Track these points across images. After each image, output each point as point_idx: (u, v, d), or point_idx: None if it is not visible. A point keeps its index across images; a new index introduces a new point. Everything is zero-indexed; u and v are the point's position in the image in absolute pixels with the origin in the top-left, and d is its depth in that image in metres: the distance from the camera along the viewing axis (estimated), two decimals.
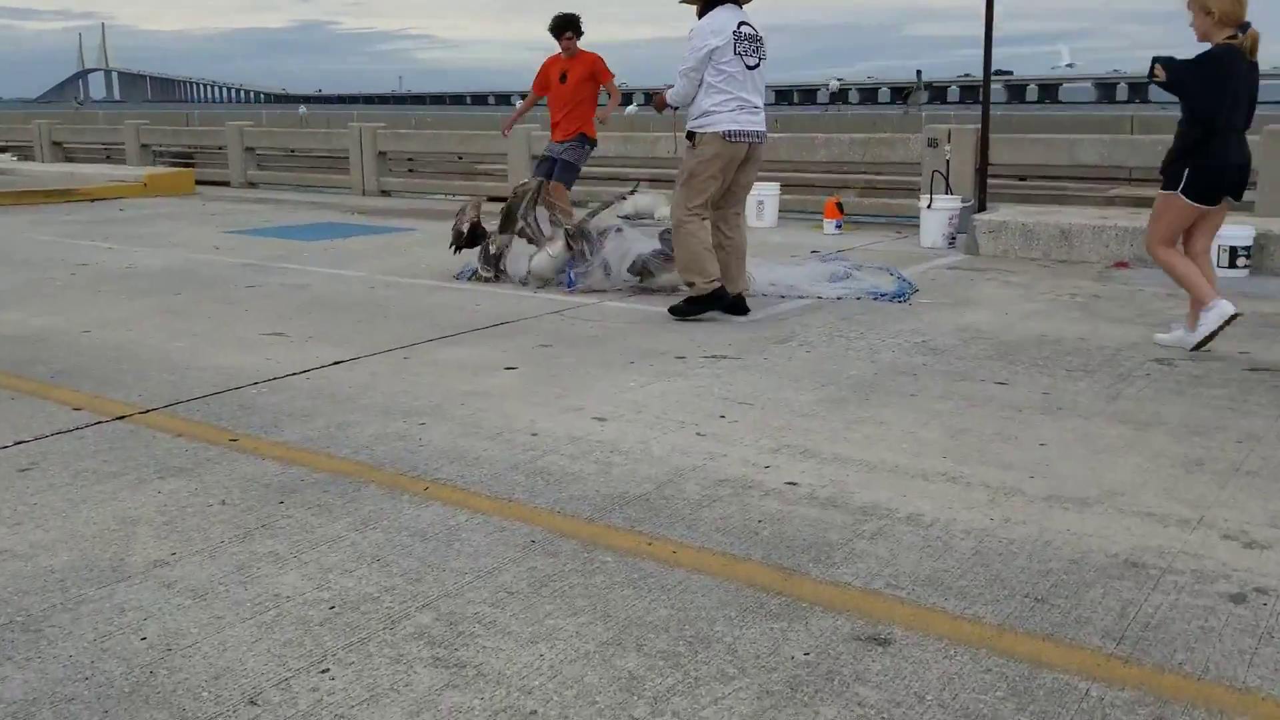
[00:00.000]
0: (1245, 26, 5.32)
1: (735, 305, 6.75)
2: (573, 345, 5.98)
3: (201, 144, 19.18)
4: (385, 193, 16.26)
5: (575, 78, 10.14)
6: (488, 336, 6.24)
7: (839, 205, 11.07)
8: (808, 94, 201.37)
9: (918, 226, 11.55)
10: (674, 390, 5.04)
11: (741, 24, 6.60)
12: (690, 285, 6.73)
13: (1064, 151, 10.85)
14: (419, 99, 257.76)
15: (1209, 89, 5.34)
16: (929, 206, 9.90)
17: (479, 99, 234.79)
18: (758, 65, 6.66)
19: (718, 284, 6.66)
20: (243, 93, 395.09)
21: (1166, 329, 5.99)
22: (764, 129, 6.74)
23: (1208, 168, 5.49)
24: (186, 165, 18.59)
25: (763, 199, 11.74)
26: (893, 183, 13.16)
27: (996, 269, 8.60)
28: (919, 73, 29.74)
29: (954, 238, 9.90)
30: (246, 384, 5.20)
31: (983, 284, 7.94)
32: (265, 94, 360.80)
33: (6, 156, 20.56)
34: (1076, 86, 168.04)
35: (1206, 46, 5.41)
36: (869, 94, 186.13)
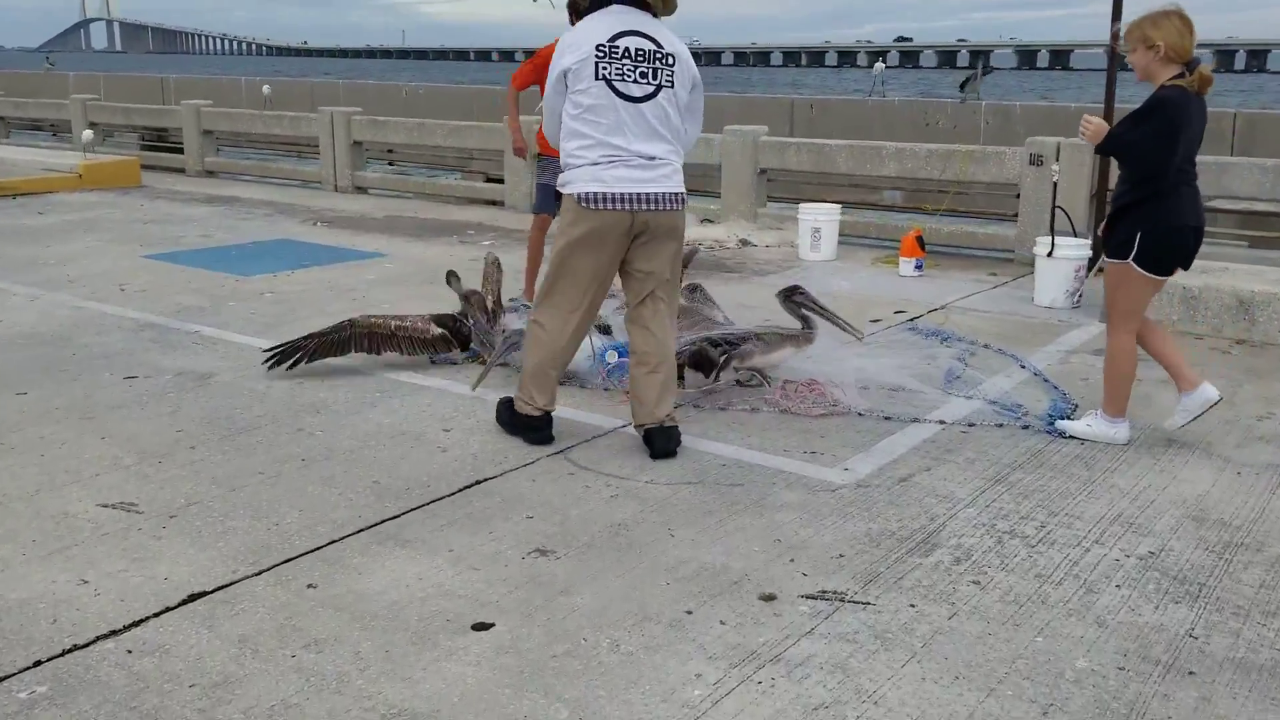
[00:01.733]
0: (1193, 64, 4.51)
1: (649, 440, 4.62)
2: (585, 553, 3.70)
3: (159, 124, 16.78)
4: (361, 189, 13.91)
5: None
6: (451, 521, 3.95)
7: (920, 240, 8.74)
8: (816, 56, 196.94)
9: (1010, 260, 9.28)
10: (771, 712, 2.77)
11: (625, 34, 4.43)
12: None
13: (1212, 177, 8.50)
14: (422, 54, 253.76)
15: (1159, 144, 4.45)
16: (1049, 254, 7.57)
17: (482, 55, 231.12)
18: (653, 95, 4.43)
19: (537, 415, 4.68)
20: (253, 45, 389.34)
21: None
22: (671, 189, 4.48)
23: (1161, 232, 4.60)
24: (157, 147, 16.22)
25: (819, 225, 9.39)
26: (980, 206, 10.79)
27: None
28: (984, 58, 26.73)
29: (1079, 294, 7.58)
30: (5, 670, 2.93)
31: (1159, 390, 5.65)
32: (277, 47, 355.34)
33: None
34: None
35: (1149, 88, 4.59)
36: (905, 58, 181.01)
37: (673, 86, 4.47)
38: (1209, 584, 3.54)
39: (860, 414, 5.17)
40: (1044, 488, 4.33)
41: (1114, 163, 6.72)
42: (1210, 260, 7.51)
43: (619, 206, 4.35)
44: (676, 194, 4.47)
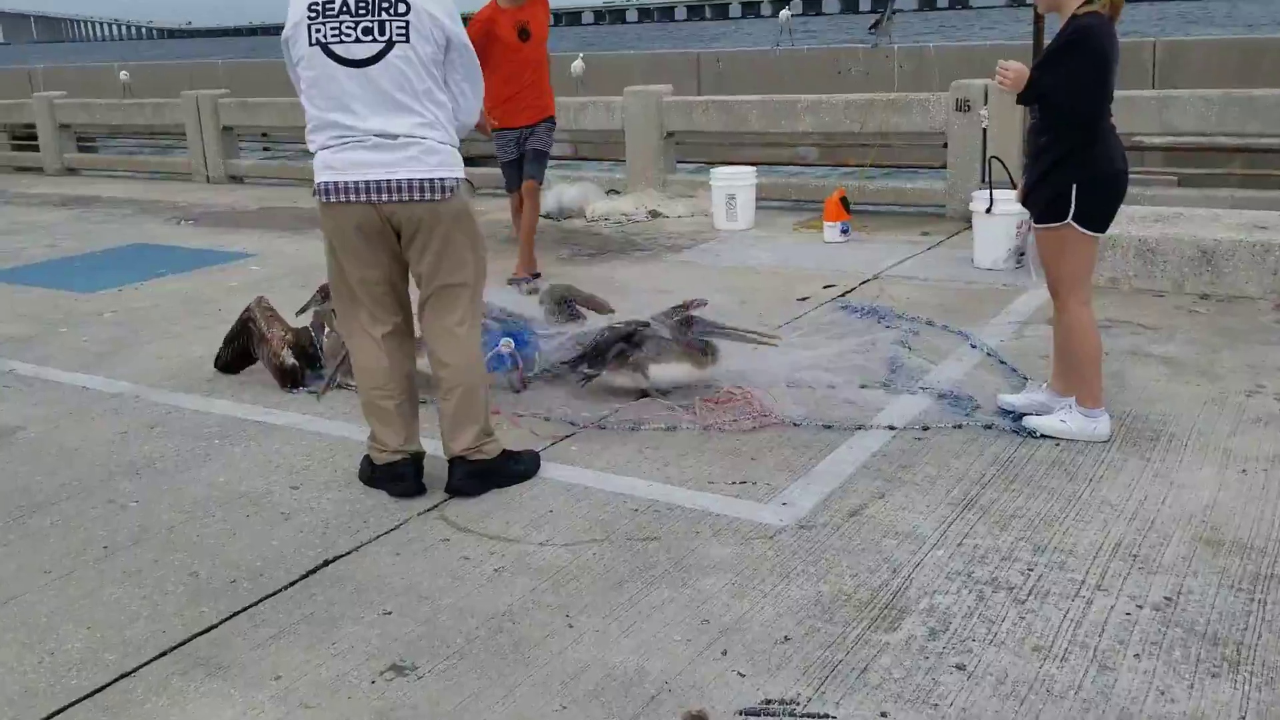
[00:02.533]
0: None
1: (450, 478, 3.87)
2: (457, 666, 2.82)
3: (12, 120, 15.30)
4: (236, 178, 12.73)
5: (539, 33, 7.03)
6: (285, 630, 3.05)
7: (844, 202, 7.95)
8: (720, 9, 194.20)
9: (943, 215, 8.55)
10: None
11: None
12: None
13: (1152, 113, 7.82)
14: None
15: (1089, 83, 3.86)
16: (988, 210, 6.83)
17: None
18: (382, 54, 3.52)
19: (395, 459, 3.85)
20: (142, 29, 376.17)
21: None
22: (420, 174, 3.55)
23: (1099, 181, 3.98)
24: (25, 146, 14.75)
25: (734, 191, 8.56)
26: (906, 159, 10.03)
27: (1120, 321, 5.58)
28: (889, 1, 25.73)
29: (1022, 252, 6.86)
30: None
31: (1130, 364, 4.93)
32: (168, 30, 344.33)
33: None
34: None
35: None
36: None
37: (407, 40, 3.49)
38: (1247, 642, 2.81)
39: (796, 424, 4.37)
40: (1023, 511, 3.57)
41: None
42: (1140, 205, 6.85)
43: (355, 198, 3.52)
44: (428, 181, 3.53)
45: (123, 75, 23.21)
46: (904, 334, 5.53)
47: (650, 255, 7.84)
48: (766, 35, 38.35)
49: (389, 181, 3.49)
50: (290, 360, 5.08)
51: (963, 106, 8.37)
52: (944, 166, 8.79)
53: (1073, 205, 3.95)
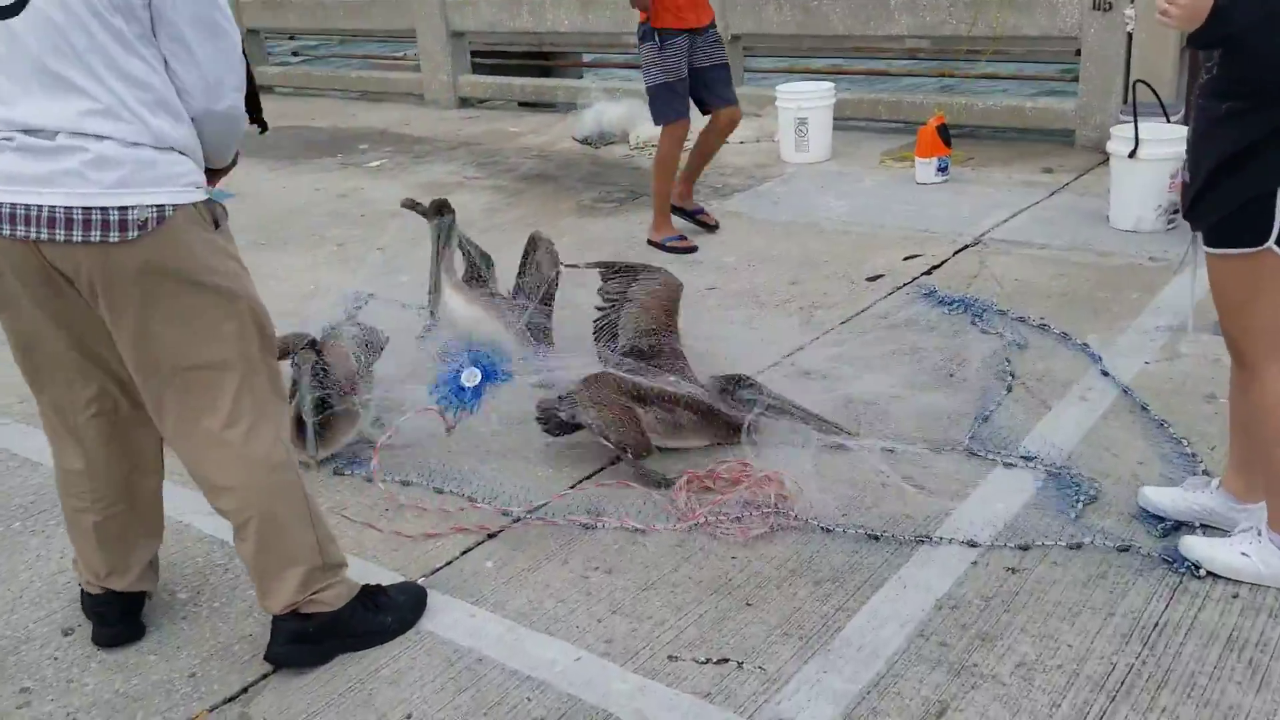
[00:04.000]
0: None
1: (271, 643, 2.55)
2: None
3: None
4: (262, 88, 11.43)
5: None
6: None
7: (943, 132, 6.24)
8: None
9: (1070, 145, 6.78)
10: None
11: None
12: None
13: None
14: None
15: None
16: (1132, 154, 5.09)
17: None
18: (17, 6, 2.06)
19: (95, 592, 2.65)
20: None
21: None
22: (68, 203, 2.11)
23: None
24: None
25: (805, 113, 6.89)
26: (1026, 71, 8.15)
27: None
28: None
29: (1176, 209, 5.13)
30: None
31: None
32: None
33: None
34: None
35: None
36: None
37: None
38: None
39: (826, 529, 2.91)
40: None
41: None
42: None
43: (2, 230, 2.15)
44: (95, 210, 2.12)
45: None
46: (1006, 345, 3.97)
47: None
48: None
49: (37, 210, 2.11)
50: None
51: (1101, 4, 6.50)
52: (1075, 80, 6.95)
53: (1278, 220, 2.36)
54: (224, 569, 2.95)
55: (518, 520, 3.05)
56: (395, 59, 11.16)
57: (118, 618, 2.66)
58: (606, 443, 3.24)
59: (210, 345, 2.29)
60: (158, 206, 2.15)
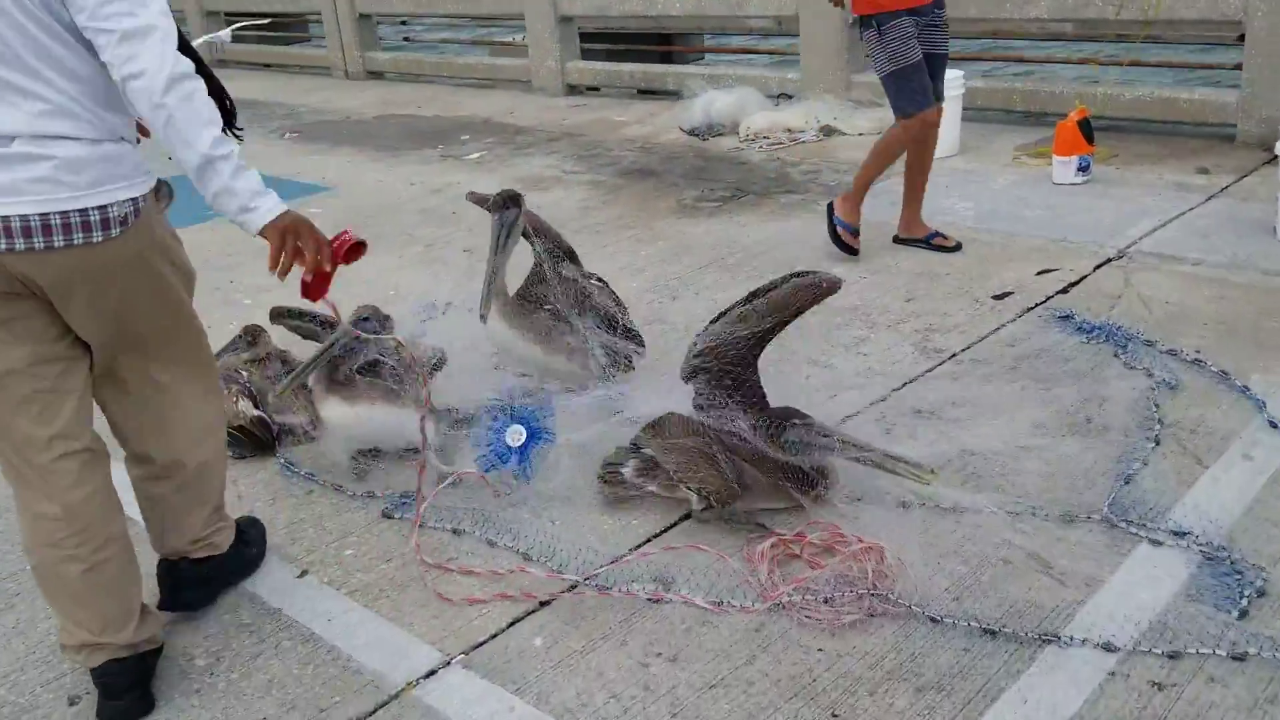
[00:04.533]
0: None
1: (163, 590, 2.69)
2: None
3: None
4: (375, 74, 11.30)
5: None
6: None
7: (1085, 127, 5.62)
8: None
9: (1231, 140, 6.08)
10: None
11: None
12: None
13: None
14: None
15: None
16: None
17: None
18: None
19: (101, 658, 2.34)
20: None
21: None
22: (48, 209, 2.06)
23: None
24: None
25: None
26: (1181, 57, 7.40)
27: None
28: None
29: None
30: None
31: None
32: None
33: None
34: None
35: None
36: None
37: None
38: None
39: (933, 619, 2.46)
40: None
41: None
42: None
43: None
44: (76, 214, 2.09)
45: None
46: (1155, 385, 3.43)
47: (801, 201, 5.83)
48: None
49: (5, 220, 2.04)
50: (252, 412, 3.51)
51: None
52: (1237, 68, 6.23)
53: None
54: (249, 630, 2.66)
55: (574, 587, 2.68)
56: (505, 44, 10.89)
57: (125, 688, 2.38)
58: (685, 487, 2.84)
59: (169, 312, 2.38)
60: (132, 200, 2.16)
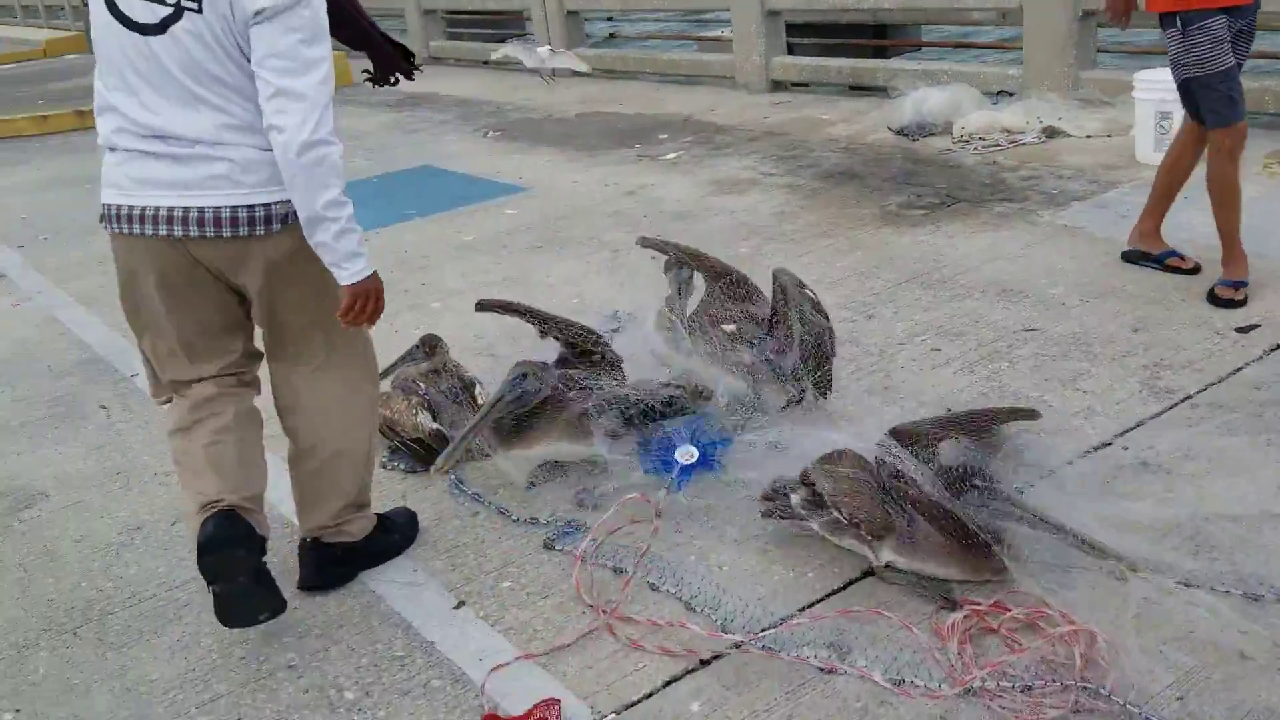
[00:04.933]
0: None
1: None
2: None
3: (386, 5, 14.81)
4: (791, 84, 11.31)
5: None
6: None
7: None
8: None
9: None
10: None
11: None
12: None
13: None
14: None
15: None
16: None
17: None
18: (169, 22, 2.32)
19: (211, 510, 2.49)
20: None
21: None
22: (223, 199, 2.41)
23: None
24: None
25: (1168, 107, 5.74)
26: None
27: None
28: None
29: None
30: None
31: None
32: None
33: None
34: None
35: None
36: None
37: (199, 9, 2.30)
38: None
39: None
40: None
41: None
42: None
43: (144, 230, 2.44)
44: (244, 210, 2.42)
45: None
46: None
47: (1018, 211, 5.37)
48: None
49: (183, 212, 2.41)
50: (429, 424, 3.45)
51: None
52: None
53: None
54: (401, 663, 2.57)
55: (738, 645, 2.46)
56: (712, 39, 10.70)
57: (225, 539, 2.45)
58: (836, 512, 2.57)
59: (323, 305, 2.57)
60: (269, 205, 2.42)
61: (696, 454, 3.01)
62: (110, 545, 3.25)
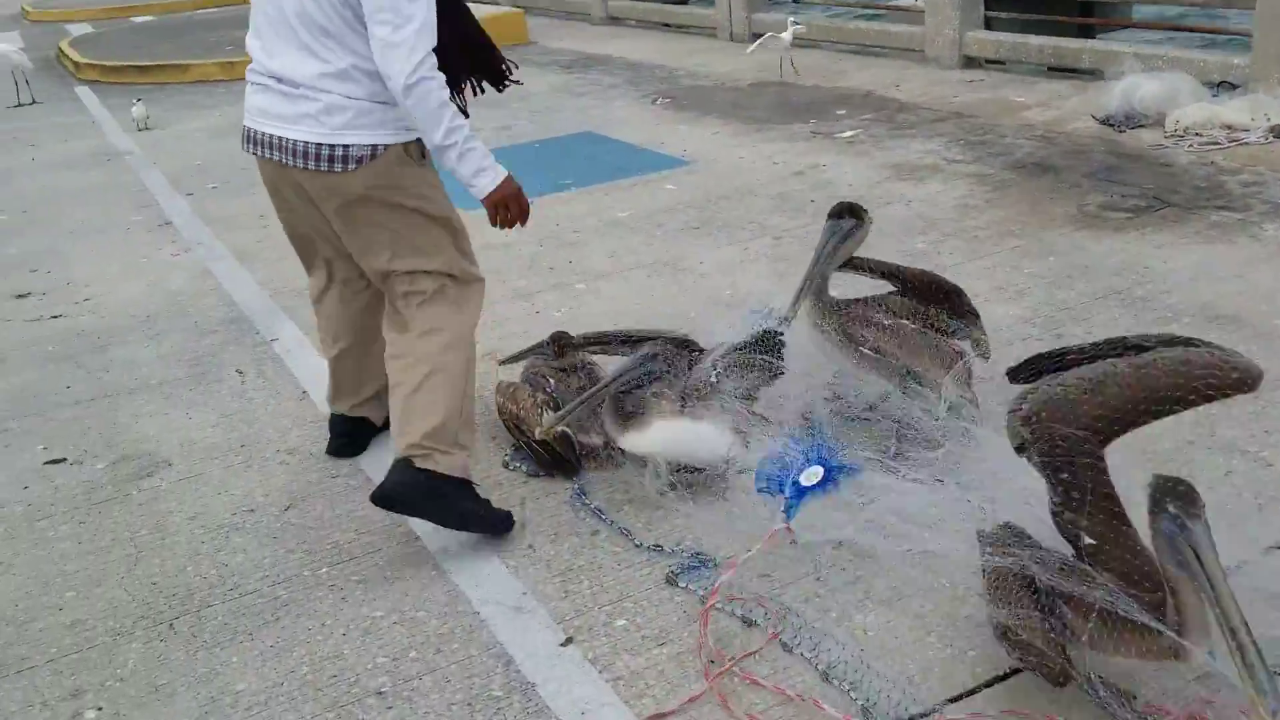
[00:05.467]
0: None
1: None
2: None
3: None
4: (759, 35, 10.83)
5: None
6: None
7: None
8: None
9: None
10: None
11: None
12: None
13: None
14: None
15: None
16: None
17: None
18: None
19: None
20: None
21: None
22: (315, 136, 2.74)
23: None
24: None
25: None
26: None
27: None
28: None
29: None
30: None
31: None
32: None
33: None
34: None
35: None
36: None
37: None
38: None
39: None
40: None
41: None
42: None
43: (261, 152, 2.87)
44: (326, 147, 2.73)
45: None
46: None
47: (1239, 222, 4.74)
48: None
49: (283, 140, 2.78)
50: (557, 427, 3.19)
51: None
52: None
53: None
54: (498, 707, 2.32)
55: None
56: (902, 8, 10.08)
57: (340, 432, 3.38)
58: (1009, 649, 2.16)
59: (406, 256, 2.84)
60: (371, 146, 2.73)
61: (821, 473, 2.65)
62: (221, 527, 3.12)
